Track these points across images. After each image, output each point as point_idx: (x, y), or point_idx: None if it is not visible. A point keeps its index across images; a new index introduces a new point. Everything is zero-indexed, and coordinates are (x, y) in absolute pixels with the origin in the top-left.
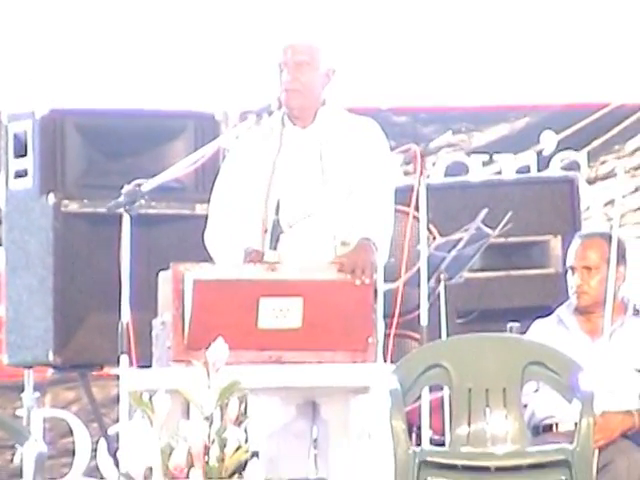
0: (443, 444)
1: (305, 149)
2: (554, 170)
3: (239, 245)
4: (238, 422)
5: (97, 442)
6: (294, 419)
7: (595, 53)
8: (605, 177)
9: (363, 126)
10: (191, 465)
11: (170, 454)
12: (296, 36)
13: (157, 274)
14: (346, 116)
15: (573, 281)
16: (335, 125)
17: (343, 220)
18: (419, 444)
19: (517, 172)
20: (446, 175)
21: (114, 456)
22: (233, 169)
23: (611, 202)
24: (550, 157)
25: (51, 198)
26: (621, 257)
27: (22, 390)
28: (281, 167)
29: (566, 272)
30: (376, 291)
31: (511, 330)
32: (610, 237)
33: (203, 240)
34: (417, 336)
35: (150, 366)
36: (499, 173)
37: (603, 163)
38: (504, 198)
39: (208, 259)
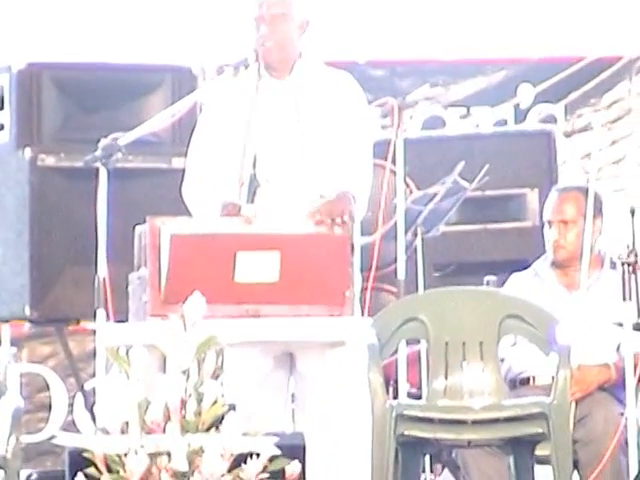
0: (420, 397)
1: (282, 101)
2: (531, 123)
3: (216, 199)
4: (215, 376)
5: (74, 397)
6: (271, 372)
7: (572, 5)
8: (582, 130)
9: (340, 80)
10: (168, 419)
11: (147, 408)
12: None
13: (134, 228)
14: (323, 69)
15: (550, 235)
16: (312, 78)
17: (321, 174)
18: (396, 397)
19: (494, 125)
20: (423, 128)
21: (91, 411)
22: (210, 121)
23: (588, 155)
24: (527, 110)
25: (27, 152)
26: (598, 211)
27: None
28: (258, 119)
29: (543, 225)
30: (353, 245)
31: (488, 283)
32: (587, 191)
33: (180, 194)
34: (394, 290)
35: (127, 320)
36: (476, 126)
37: (580, 116)
38: (481, 151)
39: (185, 213)
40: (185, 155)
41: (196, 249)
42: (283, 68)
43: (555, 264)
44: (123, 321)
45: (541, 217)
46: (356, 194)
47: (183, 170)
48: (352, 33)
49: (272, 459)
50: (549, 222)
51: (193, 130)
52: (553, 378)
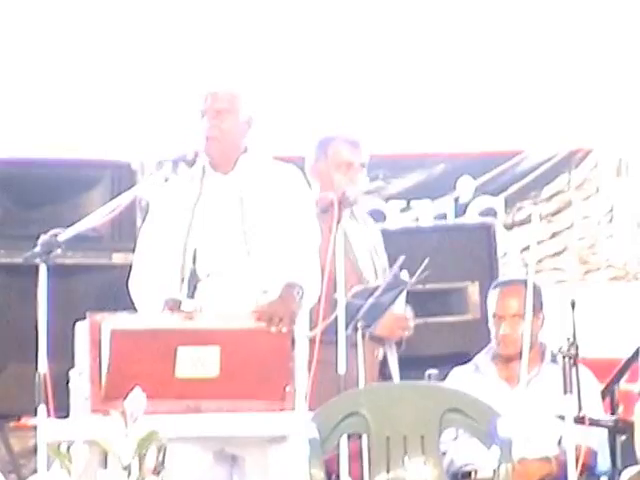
0: None
1: (225, 196)
2: (471, 216)
3: (159, 295)
4: (156, 472)
5: None
6: (211, 467)
7: (511, 99)
8: (522, 223)
9: (285, 173)
10: None
11: None
12: (216, 83)
13: (74, 324)
14: (268, 163)
15: (499, 329)
16: (257, 172)
17: (264, 268)
18: None
19: (434, 219)
20: None
21: None
22: (155, 218)
23: (528, 248)
24: (467, 204)
25: None
26: (540, 304)
27: None
28: (200, 215)
29: (484, 319)
30: (294, 340)
31: (429, 377)
32: (533, 284)
33: (121, 289)
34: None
35: (68, 416)
36: (416, 220)
37: (520, 209)
38: (421, 245)
39: (126, 308)
40: (125, 250)
41: (136, 344)
42: (226, 163)
43: (500, 357)
44: (64, 417)
45: (482, 310)
46: (304, 284)
47: (123, 265)
48: (293, 128)
49: None
50: (498, 316)
51: (133, 225)
52: (495, 472)
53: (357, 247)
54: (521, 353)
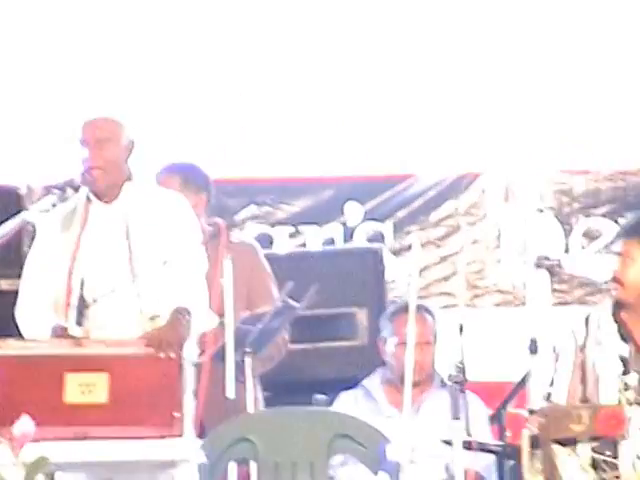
0: None
1: (110, 224)
2: (359, 242)
3: (46, 321)
4: None
5: None
6: None
7: (400, 123)
8: (410, 248)
9: (169, 200)
10: None
11: None
12: (95, 111)
13: None
14: (152, 190)
15: (407, 355)
16: (141, 200)
17: (151, 294)
18: None
19: (323, 244)
20: None
21: None
22: (41, 244)
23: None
24: (355, 228)
25: None
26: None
27: None
28: (86, 242)
29: (372, 344)
30: (182, 365)
31: (317, 402)
32: (428, 310)
33: (8, 315)
34: None
35: None
36: (304, 245)
37: (408, 234)
38: (310, 270)
39: (13, 335)
40: (12, 277)
41: (24, 371)
42: (110, 192)
43: (393, 383)
44: None
45: (370, 336)
46: (192, 309)
47: (10, 292)
48: (180, 152)
49: None
50: (402, 342)
51: (20, 251)
52: None
53: None
54: (424, 379)
